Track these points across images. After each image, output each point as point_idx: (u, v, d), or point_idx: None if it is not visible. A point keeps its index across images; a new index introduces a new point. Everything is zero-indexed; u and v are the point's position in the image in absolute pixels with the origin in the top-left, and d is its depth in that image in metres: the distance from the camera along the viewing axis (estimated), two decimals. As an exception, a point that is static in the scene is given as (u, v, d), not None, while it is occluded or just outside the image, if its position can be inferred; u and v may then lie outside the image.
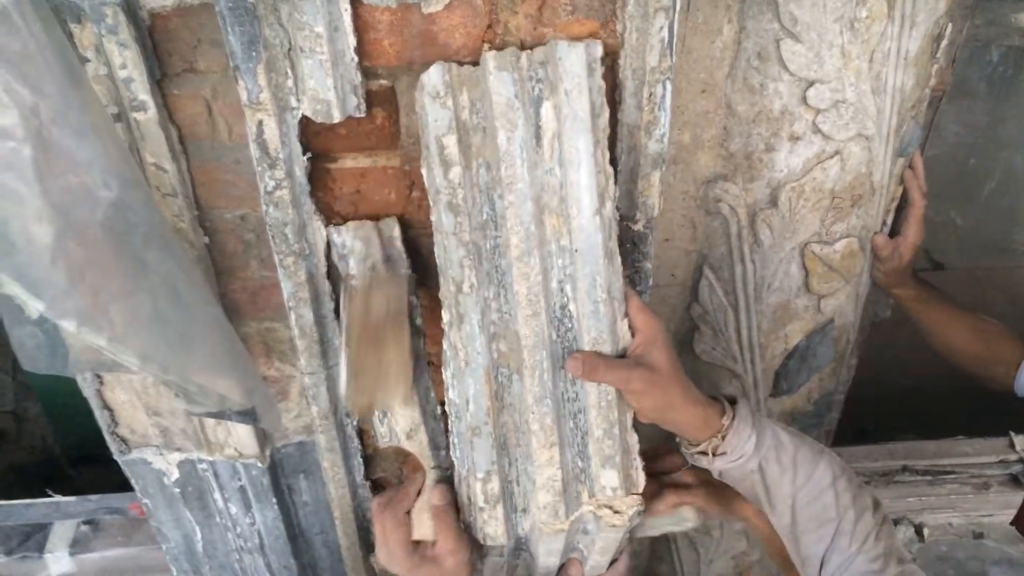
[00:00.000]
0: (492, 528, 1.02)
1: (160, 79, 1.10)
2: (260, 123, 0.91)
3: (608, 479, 1.00)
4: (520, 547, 1.15)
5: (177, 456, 1.53)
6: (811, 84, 1.15)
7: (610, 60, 0.94)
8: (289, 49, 0.87)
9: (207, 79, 1.13)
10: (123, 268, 1.03)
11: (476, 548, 1.09)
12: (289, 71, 0.89)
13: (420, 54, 0.92)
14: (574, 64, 0.88)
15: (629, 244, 1.09)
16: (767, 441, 1.04)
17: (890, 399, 2.22)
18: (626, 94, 0.94)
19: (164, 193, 1.18)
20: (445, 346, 0.99)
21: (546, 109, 0.90)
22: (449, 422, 1.02)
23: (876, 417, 2.03)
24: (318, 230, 1.01)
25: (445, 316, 0.97)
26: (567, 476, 1.00)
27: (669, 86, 0.92)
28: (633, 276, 1.12)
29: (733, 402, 1.08)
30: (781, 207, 1.26)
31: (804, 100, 1.16)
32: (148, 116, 1.10)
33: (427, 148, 0.91)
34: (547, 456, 0.99)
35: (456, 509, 1.07)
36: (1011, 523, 1.74)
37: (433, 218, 0.94)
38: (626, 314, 0.98)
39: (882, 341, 1.96)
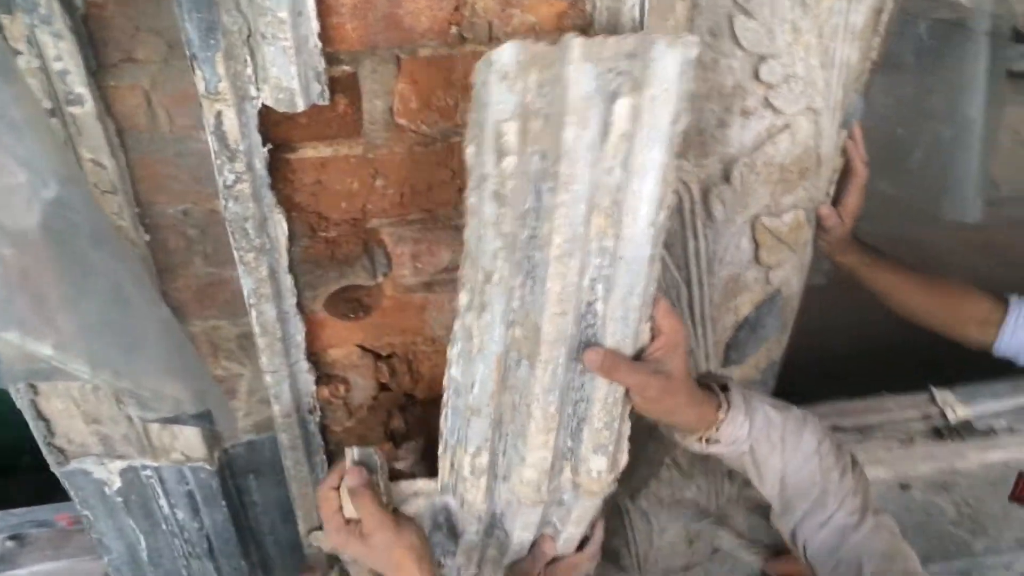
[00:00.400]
0: (472, 496, 1.02)
1: (95, 70, 1.04)
2: (219, 114, 0.86)
3: (597, 463, 1.01)
4: (494, 524, 1.14)
5: (119, 464, 1.46)
6: (763, 59, 1.16)
7: (579, 40, 0.92)
8: (248, 36, 0.83)
9: (146, 69, 1.07)
10: (67, 272, 0.97)
11: (418, 530, 1.07)
12: (248, 59, 0.84)
13: (384, 38, 0.89)
14: (668, 68, 0.80)
15: (595, 225, 1.08)
16: (758, 423, 1.06)
17: (816, 363, 2.29)
18: (596, 74, 0.92)
19: (103, 190, 1.11)
20: (457, 326, 0.94)
21: (621, 106, 0.81)
22: (446, 394, 0.98)
23: (807, 382, 2.08)
24: (279, 223, 0.97)
25: (463, 299, 0.92)
26: (555, 456, 1.00)
27: (640, 65, 0.91)
28: (599, 257, 1.11)
29: (725, 388, 1.09)
30: (733, 182, 1.27)
31: (756, 75, 1.17)
32: (85, 110, 1.04)
33: (480, 128, 0.83)
34: (542, 440, 0.98)
35: (374, 489, 1.04)
36: (1009, 498, 1.80)
37: (471, 200, 0.87)
38: (651, 316, 0.96)
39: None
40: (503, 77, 0.79)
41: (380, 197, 1.01)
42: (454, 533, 1.12)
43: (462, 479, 1.02)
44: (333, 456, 1.23)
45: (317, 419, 1.16)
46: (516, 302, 0.91)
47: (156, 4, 1.03)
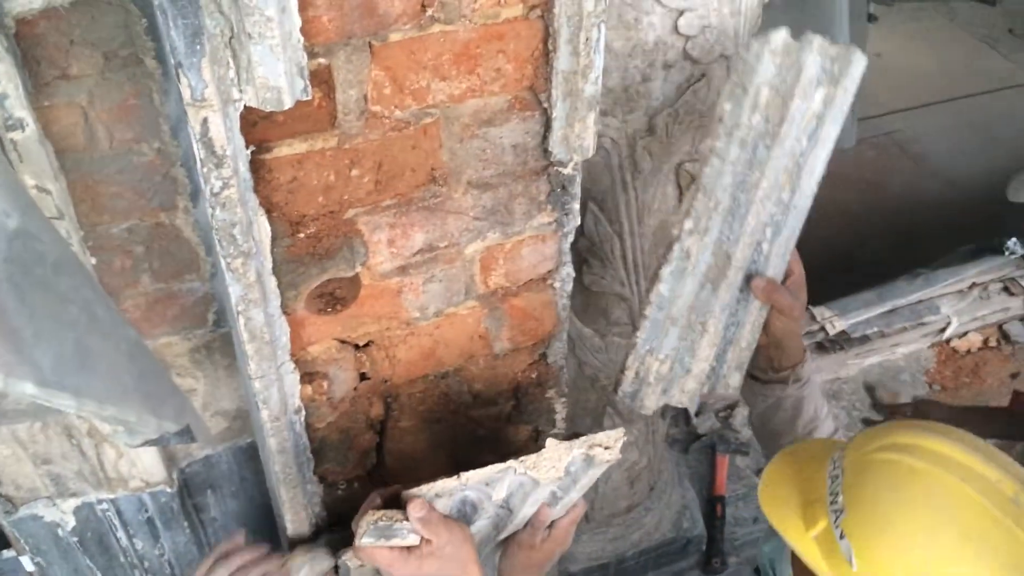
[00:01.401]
0: (650, 401, 1.26)
1: (31, 92, 0.98)
2: (205, 120, 0.84)
3: (734, 380, 1.27)
4: (502, 505, 1.18)
5: (72, 502, 1.40)
6: (681, 13, 1.22)
7: (541, 10, 0.96)
8: (231, 38, 0.81)
9: (82, 85, 1.03)
10: (39, 304, 0.94)
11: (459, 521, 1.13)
12: (230, 61, 0.83)
13: (360, 27, 0.89)
14: (858, 70, 1.10)
15: (559, 188, 1.12)
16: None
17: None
18: (561, 41, 0.96)
19: (50, 216, 1.06)
20: (676, 248, 1.17)
21: (819, 93, 1.09)
22: (647, 309, 1.21)
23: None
24: (263, 226, 0.96)
25: (688, 225, 1.16)
26: (708, 372, 1.25)
27: (603, 28, 0.95)
28: (562, 218, 1.15)
29: None
30: (659, 133, 1.34)
31: (676, 29, 1.23)
32: (27, 135, 0.99)
33: (743, 89, 1.10)
34: (707, 353, 1.23)
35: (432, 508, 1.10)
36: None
37: (718, 144, 1.12)
38: None
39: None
40: (773, 53, 1.08)
41: (356, 187, 1.01)
42: (468, 522, 1.15)
43: (646, 385, 1.25)
44: (317, 454, 1.23)
45: (302, 419, 1.16)
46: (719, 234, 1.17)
47: (89, 15, 0.98)
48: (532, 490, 1.14)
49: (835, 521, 0.97)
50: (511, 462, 1.11)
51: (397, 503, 1.11)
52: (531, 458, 1.12)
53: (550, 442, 1.12)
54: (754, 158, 1.12)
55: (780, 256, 1.19)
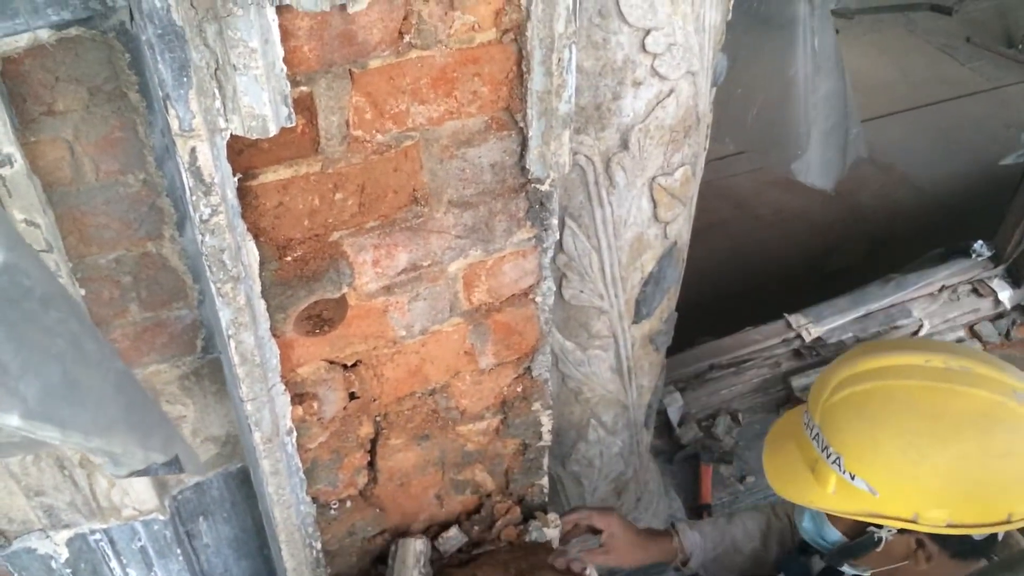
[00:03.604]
0: None
1: (18, 128, 1.01)
2: (193, 150, 0.87)
3: None
4: None
5: (66, 534, 1.41)
6: (648, 32, 1.26)
7: (514, 34, 0.99)
8: (216, 69, 0.84)
9: (68, 119, 1.05)
10: (25, 338, 0.95)
11: None
12: (216, 92, 0.85)
13: (340, 55, 0.92)
14: None
15: (538, 205, 1.15)
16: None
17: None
18: (534, 63, 0.99)
19: (39, 250, 1.08)
20: None
21: None
22: None
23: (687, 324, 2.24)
24: (251, 251, 0.98)
25: None
26: None
27: (575, 49, 0.99)
28: (541, 234, 1.19)
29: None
30: (632, 149, 1.38)
31: (643, 47, 1.27)
32: (15, 170, 1.01)
33: None
34: None
35: None
36: None
37: None
38: None
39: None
40: None
41: (340, 210, 1.04)
42: None
43: None
44: (309, 475, 1.24)
45: (294, 440, 1.18)
46: None
47: (74, 52, 1.01)
48: None
49: (840, 469, 1.12)
50: None
51: None
52: None
53: None
54: None
55: None
